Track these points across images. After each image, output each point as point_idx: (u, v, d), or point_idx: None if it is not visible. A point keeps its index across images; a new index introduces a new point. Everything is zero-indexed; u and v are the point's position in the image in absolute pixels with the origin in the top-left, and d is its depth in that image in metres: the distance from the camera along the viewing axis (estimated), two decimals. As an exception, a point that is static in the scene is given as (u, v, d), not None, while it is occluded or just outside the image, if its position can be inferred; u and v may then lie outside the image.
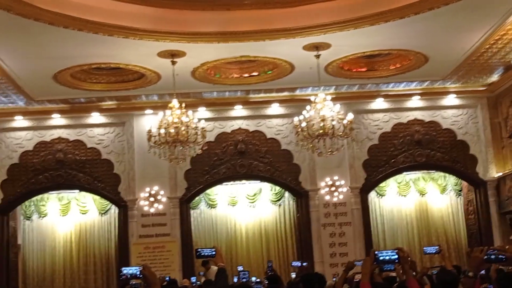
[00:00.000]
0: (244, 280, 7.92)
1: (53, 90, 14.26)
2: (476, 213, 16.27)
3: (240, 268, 9.37)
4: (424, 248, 7.33)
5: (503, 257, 3.70)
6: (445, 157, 16.25)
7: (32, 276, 16.64)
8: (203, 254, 5.31)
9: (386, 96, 16.12)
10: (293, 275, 12.35)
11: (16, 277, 16.13)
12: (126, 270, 4.40)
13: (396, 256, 4.30)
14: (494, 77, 15.40)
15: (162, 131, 12.07)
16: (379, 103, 16.25)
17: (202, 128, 12.42)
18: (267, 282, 9.37)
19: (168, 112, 12.27)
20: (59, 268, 16.92)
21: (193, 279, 11.58)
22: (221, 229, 17.19)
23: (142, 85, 14.33)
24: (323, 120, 12.03)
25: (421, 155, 16.21)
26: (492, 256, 3.72)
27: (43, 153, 15.86)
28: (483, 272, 6.05)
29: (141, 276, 4.22)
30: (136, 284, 9.08)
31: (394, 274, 6.59)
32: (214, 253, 5.19)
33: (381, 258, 4.32)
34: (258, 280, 11.52)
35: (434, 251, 7.05)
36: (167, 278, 10.21)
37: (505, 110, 15.78)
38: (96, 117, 15.95)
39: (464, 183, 16.95)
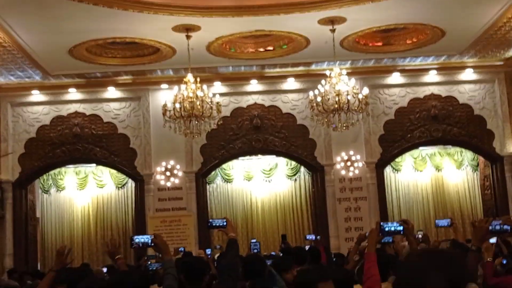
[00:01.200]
0: (255, 251, 7.97)
1: (69, 65, 14.33)
2: (492, 188, 16.22)
3: (253, 241, 9.43)
4: (436, 220, 7.36)
5: (508, 227, 3.70)
6: (461, 132, 16.15)
7: (51, 248, 16.87)
8: (214, 224, 5.34)
9: (402, 71, 16.01)
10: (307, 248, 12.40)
11: (35, 249, 16.39)
12: (138, 239, 4.44)
13: (401, 228, 4.33)
14: (512, 52, 15.24)
15: (177, 105, 12.11)
16: (395, 78, 16.15)
17: (217, 102, 12.46)
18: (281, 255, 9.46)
19: (183, 86, 12.30)
20: (78, 241, 17.16)
21: (208, 251, 11.68)
22: (237, 203, 17.31)
23: (157, 59, 14.35)
24: (338, 94, 12.02)
25: (437, 130, 16.13)
26: (497, 227, 3.72)
27: (60, 127, 16.00)
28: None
29: (152, 244, 4.27)
30: (152, 256, 9.22)
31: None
32: (225, 223, 5.22)
33: (386, 229, 4.35)
34: (273, 253, 11.61)
35: (446, 224, 7.05)
36: (181, 249, 10.31)
37: (523, 85, 15.62)
38: (112, 92, 16.03)
39: (481, 158, 16.87)
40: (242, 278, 5.09)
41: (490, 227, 3.72)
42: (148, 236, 4.38)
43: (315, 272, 3.49)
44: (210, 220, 5.48)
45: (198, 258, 5.27)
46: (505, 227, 3.72)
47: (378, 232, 4.34)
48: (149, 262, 8.11)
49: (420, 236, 10.97)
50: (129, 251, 16.38)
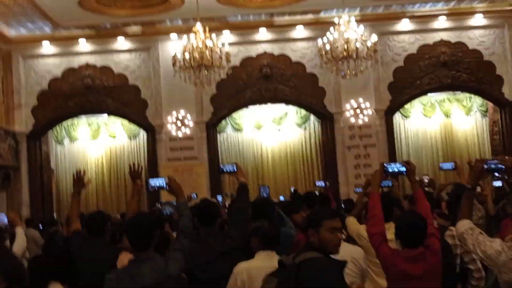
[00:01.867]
0: (265, 195, 8.15)
1: (79, 16, 14.40)
2: (501, 133, 16.30)
3: (262, 186, 9.58)
4: (441, 164, 7.49)
5: (503, 166, 3.83)
6: (471, 78, 16.15)
7: (66, 199, 17.18)
8: (225, 170, 5.54)
9: (411, 17, 15.95)
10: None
11: (51, 199, 16.71)
12: (153, 182, 4.61)
13: (404, 169, 4.49)
14: (523, -4, 15.12)
15: (187, 55, 12.18)
16: (404, 24, 16.09)
17: (227, 52, 12.51)
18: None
19: (192, 36, 12.35)
20: (92, 191, 17.45)
21: (219, 198, 11.93)
22: (247, 152, 17.51)
23: (166, 10, 14.38)
24: (347, 42, 12.05)
25: (446, 77, 16.13)
26: (492, 165, 3.84)
27: (72, 79, 16.14)
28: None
29: (167, 187, 4.44)
30: (165, 202, 9.46)
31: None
32: (235, 169, 5.40)
33: (390, 170, 4.52)
34: (282, 198, 11.81)
35: (450, 167, 7.20)
36: (194, 196, 10.53)
37: (533, 30, 15.54)
38: (122, 43, 16.10)
39: (490, 104, 16.92)
40: (252, 221, 5.32)
41: (485, 166, 3.85)
42: (163, 179, 4.53)
43: (323, 211, 3.70)
44: (221, 166, 5.67)
45: (211, 202, 5.46)
46: (500, 165, 3.84)
47: (382, 172, 4.50)
48: (162, 207, 8.35)
49: (426, 180, 11.13)
50: (142, 199, 16.69)
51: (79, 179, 5.61)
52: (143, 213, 5.33)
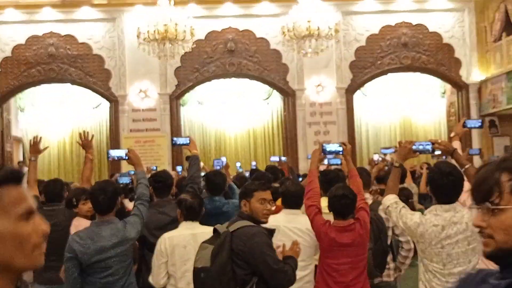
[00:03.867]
0: (218, 167, 8.43)
1: (44, -16, 14.36)
2: (458, 115, 16.77)
3: (216, 160, 9.82)
4: (382, 150, 7.87)
5: (430, 148, 4.18)
6: (430, 59, 16.55)
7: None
8: (178, 143, 5.80)
9: (375, -3, 16.26)
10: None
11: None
12: (114, 152, 4.92)
13: (341, 148, 4.83)
14: (483, -19, 15.51)
15: (151, 28, 12.30)
16: (368, 5, 16.36)
17: (191, 26, 12.65)
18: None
19: (157, 9, 12.46)
20: (54, 160, 17.53)
21: (179, 168, 12.20)
22: (210, 125, 17.74)
23: (132, -19, 14.41)
24: (309, 21, 12.28)
25: (406, 58, 16.51)
26: (420, 147, 4.20)
27: (35, 47, 16.10)
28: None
29: (126, 158, 4.75)
30: (124, 173, 9.68)
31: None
32: (188, 141, 5.67)
33: (328, 149, 4.86)
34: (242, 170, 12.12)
35: (391, 151, 7.61)
36: (154, 168, 10.76)
37: (492, 15, 15.97)
38: (87, 12, 16.05)
39: (448, 86, 17.36)
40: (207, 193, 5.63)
41: (414, 147, 4.21)
42: (123, 151, 4.83)
43: (255, 183, 4.04)
44: (174, 139, 5.94)
45: (164, 172, 5.72)
46: (427, 147, 4.20)
47: (321, 151, 4.84)
48: (119, 176, 8.62)
49: (376, 158, 11.48)
50: (103, 170, 16.88)
51: (35, 145, 5.82)
52: (107, 180, 5.61)
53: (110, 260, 4.10)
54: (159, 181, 5.30)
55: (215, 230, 3.76)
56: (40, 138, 5.94)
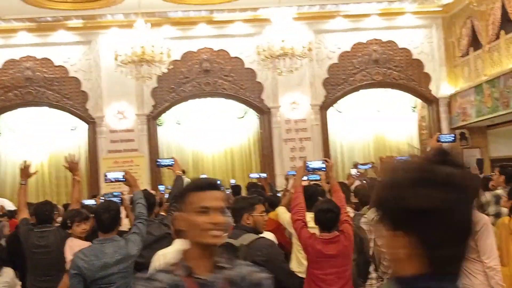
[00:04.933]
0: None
1: (20, 9, 14.52)
2: (429, 128, 17.19)
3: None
4: (358, 165, 8.19)
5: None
6: (400, 75, 17.00)
7: (4, 188, 17.25)
8: (162, 164, 6.03)
9: (345, 16, 16.64)
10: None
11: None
12: (111, 175, 5.14)
13: (324, 165, 5.11)
14: (449, -1, 16.02)
15: (128, 50, 12.52)
16: (339, 23, 16.76)
17: (168, 48, 12.89)
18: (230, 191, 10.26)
19: (134, 31, 12.69)
20: (32, 183, 17.31)
21: (161, 187, 12.39)
22: (187, 145, 17.90)
23: (107, 4, 14.66)
24: (283, 41, 12.60)
25: (378, 74, 16.94)
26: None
27: (12, 70, 16.21)
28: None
29: (124, 179, 4.99)
30: (107, 194, 9.84)
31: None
32: (173, 162, 5.90)
33: (311, 166, 5.14)
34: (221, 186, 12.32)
35: (367, 167, 7.95)
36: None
37: (459, 31, 16.47)
38: (63, 35, 16.21)
39: (419, 100, 17.79)
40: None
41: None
42: (120, 173, 5.07)
43: (255, 197, 4.35)
44: (159, 160, 6.18)
45: (149, 193, 5.95)
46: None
47: (304, 168, 5.12)
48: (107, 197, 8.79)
49: (353, 173, 11.76)
50: (83, 191, 16.88)
51: (25, 169, 6.00)
52: (110, 200, 5.84)
53: (113, 276, 4.33)
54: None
55: (229, 244, 3.95)
56: (30, 162, 6.12)
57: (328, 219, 4.57)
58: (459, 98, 16.38)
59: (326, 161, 5.11)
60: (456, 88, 16.58)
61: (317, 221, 4.63)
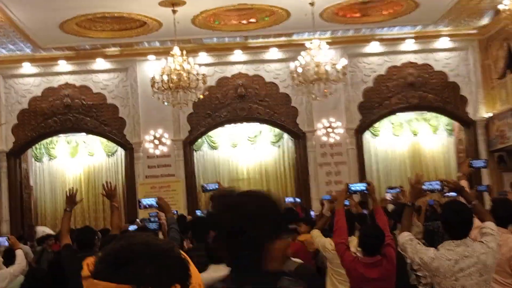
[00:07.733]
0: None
1: (60, 39, 14.84)
2: (466, 151, 17.01)
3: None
4: (387, 189, 8.16)
5: (439, 187, 4.47)
6: (436, 98, 16.88)
7: (45, 215, 17.52)
8: (208, 188, 6.10)
9: (380, 40, 16.65)
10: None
11: (30, 216, 17.02)
12: (145, 201, 5.22)
13: (365, 188, 5.11)
14: (485, 21, 15.87)
15: (165, 77, 12.69)
16: (373, 47, 16.77)
17: (203, 74, 13.04)
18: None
19: (170, 59, 12.88)
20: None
21: (198, 212, 12.44)
22: (223, 169, 17.97)
23: (144, 32, 14.89)
24: (317, 66, 12.66)
25: (414, 97, 16.84)
26: (430, 186, 4.49)
27: (51, 98, 16.54)
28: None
29: (157, 205, 5.06)
30: (145, 219, 9.93)
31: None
32: (217, 186, 5.97)
33: (353, 188, 5.13)
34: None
35: (397, 191, 7.92)
36: (175, 212, 10.96)
37: (495, 53, 16.34)
38: (101, 63, 16.55)
39: (455, 123, 17.64)
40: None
41: (424, 187, 4.51)
42: (153, 199, 5.13)
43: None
44: (204, 185, 6.25)
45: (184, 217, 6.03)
46: (436, 186, 4.49)
47: (346, 191, 5.11)
48: (146, 223, 8.86)
49: (388, 198, 11.72)
50: (121, 216, 17.02)
51: (71, 197, 6.10)
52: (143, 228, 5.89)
53: None
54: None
55: None
56: (76, 190, 6.23)
57: (373, 244, 4.57)
58: (496, 120, 16.19)
59: (368, 183, 5.10)
60: (494, 111, 16.40)
61: (361, 244, 4.62)
